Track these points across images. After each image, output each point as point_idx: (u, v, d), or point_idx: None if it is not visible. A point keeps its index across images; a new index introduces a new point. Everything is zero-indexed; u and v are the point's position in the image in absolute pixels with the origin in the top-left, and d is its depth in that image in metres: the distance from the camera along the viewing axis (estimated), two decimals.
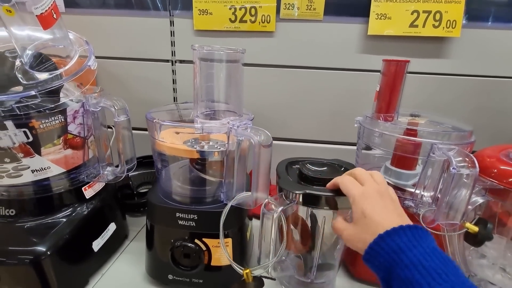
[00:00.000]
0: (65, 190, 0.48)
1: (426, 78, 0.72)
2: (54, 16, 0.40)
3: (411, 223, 0.31)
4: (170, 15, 0.73)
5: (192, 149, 0.43)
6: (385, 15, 0.68)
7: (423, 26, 0.68)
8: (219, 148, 0.44)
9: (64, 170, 0.47)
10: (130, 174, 0.80)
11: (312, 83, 0.75)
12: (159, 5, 0.72)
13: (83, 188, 0.50)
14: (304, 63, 0.74)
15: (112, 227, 0.55)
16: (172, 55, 0.76)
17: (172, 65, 0.77)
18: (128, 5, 0.73)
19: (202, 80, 0.44)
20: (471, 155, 0.39)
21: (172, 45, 0.75)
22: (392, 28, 0.68)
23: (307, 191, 0.40)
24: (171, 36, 0.75)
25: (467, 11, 0.66)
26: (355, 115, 0.58)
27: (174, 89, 0.79)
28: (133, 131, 0.51)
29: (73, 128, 0.46)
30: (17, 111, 0.40)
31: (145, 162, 0.81)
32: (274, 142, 0.43)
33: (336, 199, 0.39)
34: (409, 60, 0.50)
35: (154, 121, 0.44)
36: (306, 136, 0.80)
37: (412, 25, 0.68)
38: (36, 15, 0.38)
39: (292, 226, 0.49)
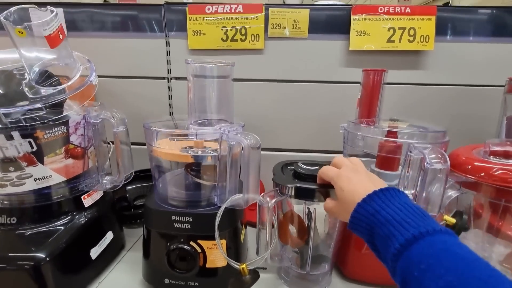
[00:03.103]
0: (65, 198, 0.50)
1: (404, 88, 0.77)
2: (61, 36, 0.45)
3: (385, 185, 0.34)
4: (166, 36, 0.78)
5: (187, 154, 0.46)
6: (364, 32, 0.74)
7: (399, 41, 0.74)
8: (212, 153, 0.47)
9: (65, 179, 0.49)
10: (127, 187, 0.82)
11: (299, 96, 0.80)
12: (156, 27, 0.78)
13: (82, 197, 0.53)
14: (291, 77, 0.79)
15: (109, 235, 0.57)
16: (168, 73, 0.81)
17: (168, 82, 0.82)
18: (128, 28, 0.78)
19: (195, 92, 0.48)
20: (443, 151, 0.43)
21: (168, 64, 0.80)
22: (372, 43, 0.74)
23: (298, 185, 0.44)
24: (167, 55, 0.80)
25: (439, 27, 0.72)
26: (340, 124, 0.61)
27: (170, 104, 0.83)
28: (131, 146, 0.54)
29: (74, 138, 0.49)
30: (23, 122, 0.43)
31: (142, 176, 0.83)
32: (263, 152, 0.47)
33: (324, 191, 0.42)
34: (385, 70, 0.55)
35: (152, 128, 0.47)
36: (294, 146, 0.83)
37: (389, 40, 0.74)
38: (45, 36, 0.42)
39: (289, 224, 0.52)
